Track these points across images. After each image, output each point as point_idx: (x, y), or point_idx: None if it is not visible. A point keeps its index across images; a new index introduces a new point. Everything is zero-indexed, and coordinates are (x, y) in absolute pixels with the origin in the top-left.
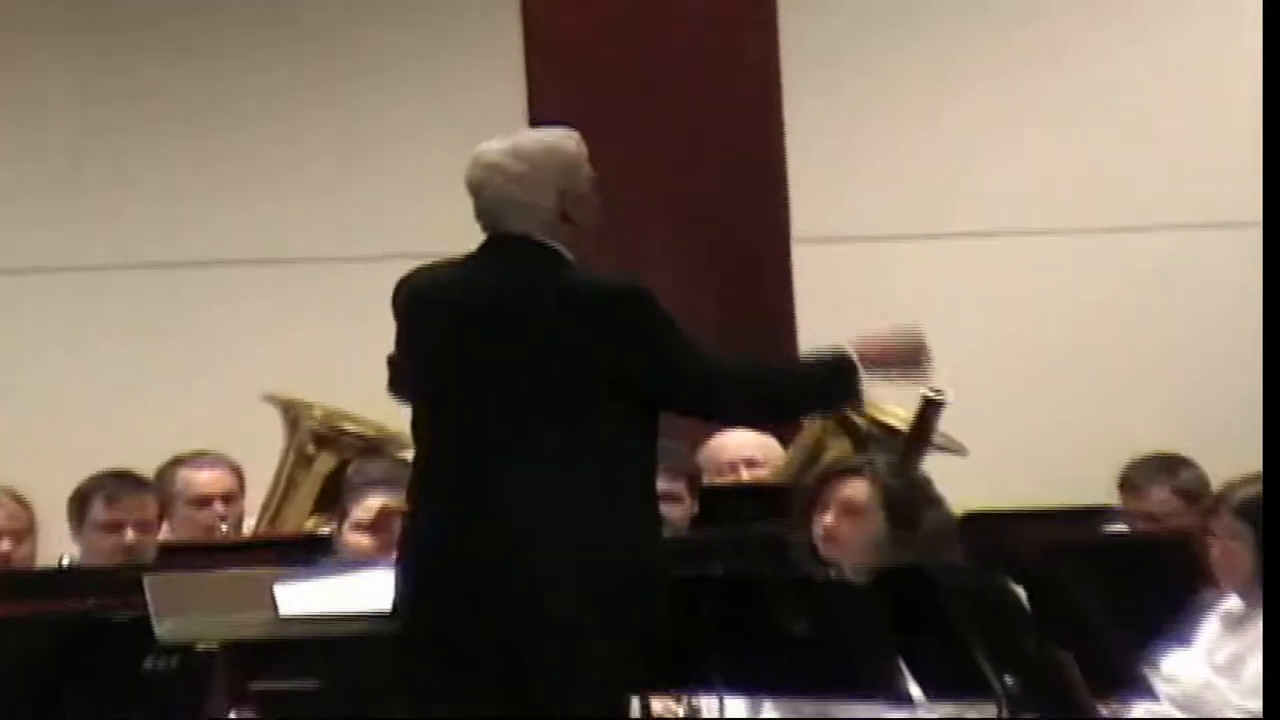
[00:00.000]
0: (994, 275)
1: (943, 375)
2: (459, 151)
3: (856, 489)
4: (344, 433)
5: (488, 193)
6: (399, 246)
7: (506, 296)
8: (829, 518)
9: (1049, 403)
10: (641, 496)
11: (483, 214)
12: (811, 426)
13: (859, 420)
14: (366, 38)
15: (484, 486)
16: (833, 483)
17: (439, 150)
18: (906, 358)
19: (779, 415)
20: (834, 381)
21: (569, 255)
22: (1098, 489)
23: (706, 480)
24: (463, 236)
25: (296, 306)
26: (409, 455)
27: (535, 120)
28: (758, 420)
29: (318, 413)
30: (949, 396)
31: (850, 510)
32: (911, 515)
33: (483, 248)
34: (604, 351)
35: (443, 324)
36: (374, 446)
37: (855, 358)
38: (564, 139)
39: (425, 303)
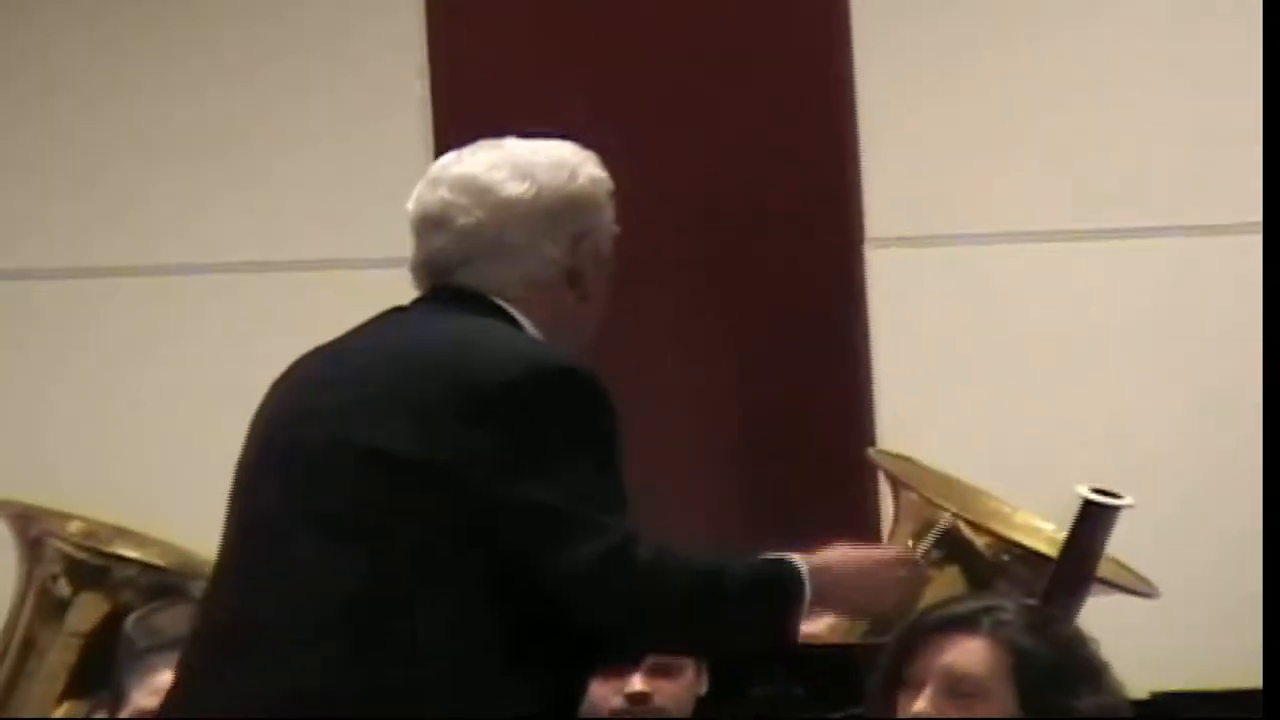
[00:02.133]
0: (1103, 278)
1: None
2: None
3: (969, 655)
4: (119, 561)
5: (458, 226)
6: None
7: (375, 373)
8: (923, 701)
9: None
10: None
11: (432, 260)
12: (899, 544)
13: (976, 539)
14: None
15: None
16: (930, 644)
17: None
18: (876, 599)
19: (678, 644)
20: (767, 610)
21: (536, 334)
22: None
23: None
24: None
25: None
26: None
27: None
28: (637, 644)
29: (74, 527)
30: (1126, 501)
31: (960, 688)
32: (1060, 697)
33: (412, 303)
34: (459, 465)
35: (270, 416)
36: (170, 585)
37: (806, 583)
38: (584, 159)
39: (274, 390)
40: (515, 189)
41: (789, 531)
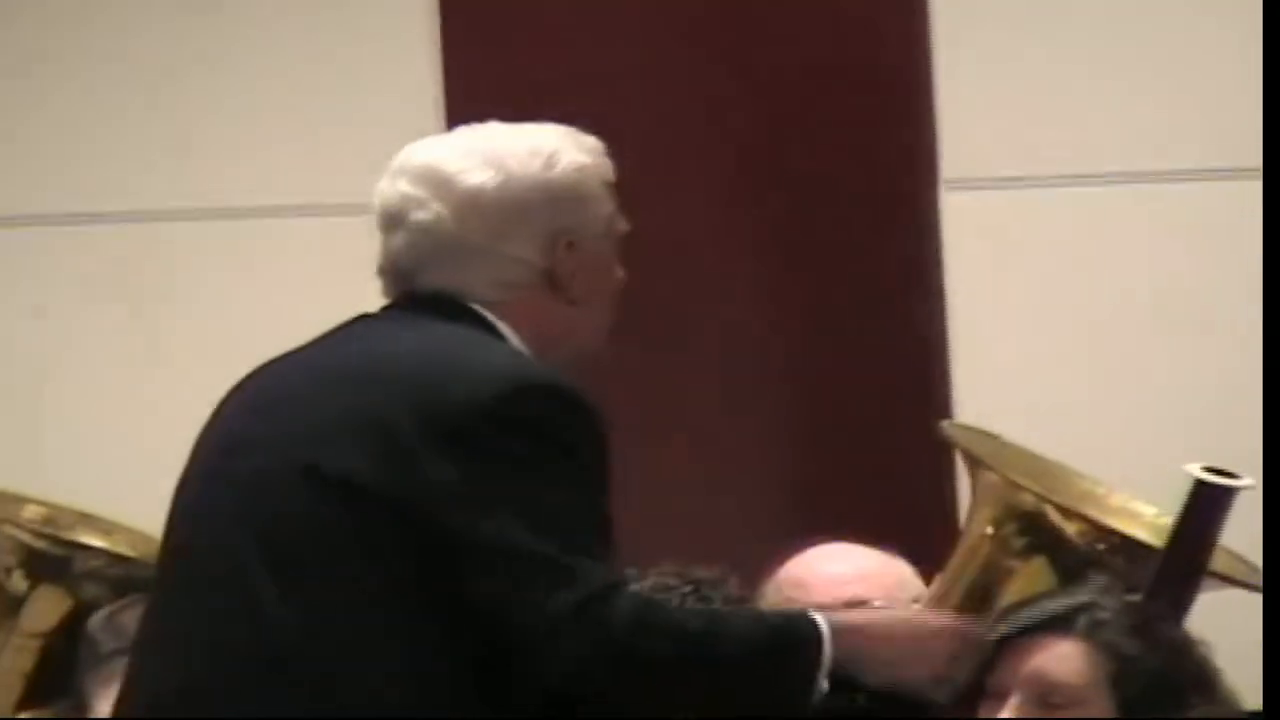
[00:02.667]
0: (1213, 225)
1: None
2: None
3: (1062, 660)
4: (82, 550)
5: (415, 222)
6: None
7: (334, 391)
8: (1008, 711)
9: None
10: None
11: (394, 263)
12: (977, 531)
13: (1066, 526)
14: None
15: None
16: (1017, 647)
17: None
18: (915, 673)
19: (662, 712)
20: (773, 679)
21: (521, 344)
22: None
23: None
24: None
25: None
26: None
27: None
28: (611, 712)
29: (30, 512)
30: (1245, 482)
31: (1051, 697)
32: (1167, 709)
33: (381, 310)
34: (417, 490)
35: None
36: (141, 579)
37: (826, 646)
38: (571, 145)
39: (221, 408)
40: (478, 179)
41: (853, 516)
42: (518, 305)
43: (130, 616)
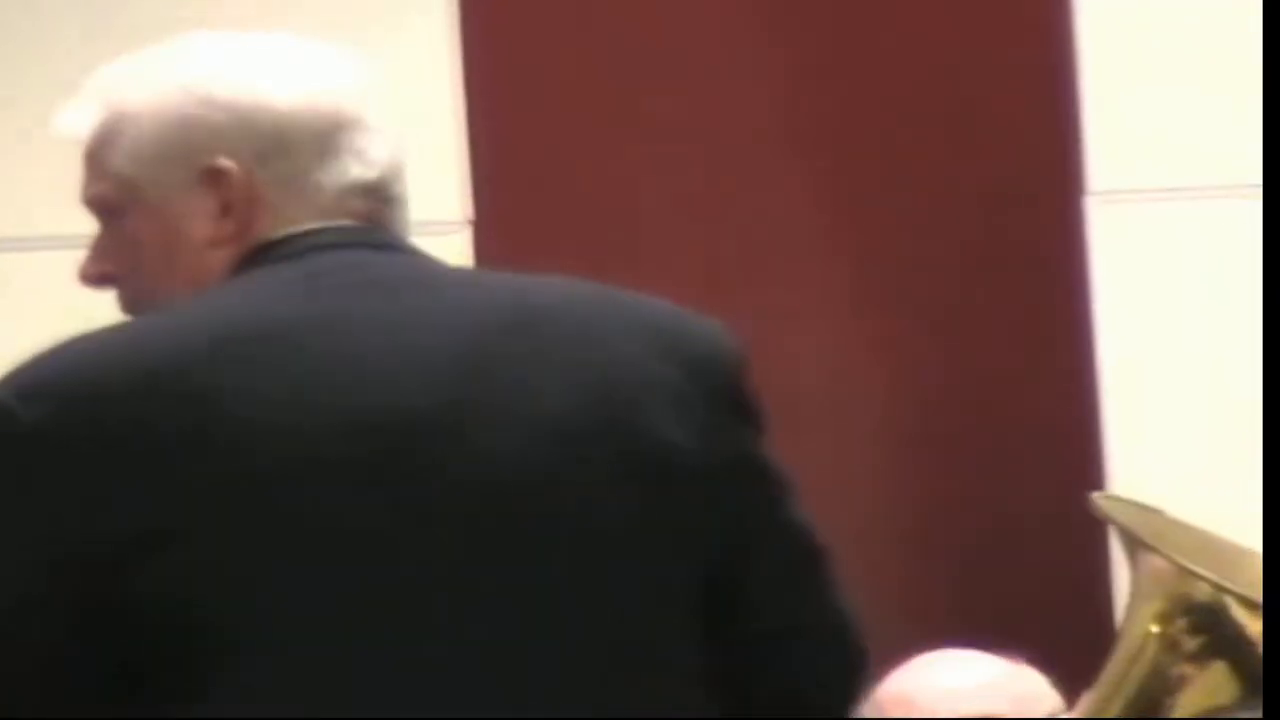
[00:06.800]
0: None
1: None
2: None
3: None
4: None
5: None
6: None
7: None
8: None
9: None
10: None
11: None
12: (1139, 630)
13: (1250, 624)
14: None
15: None
16: None
17: None
18: None
19: None
20: None
21: None
22: None
23: None
24: None
25: None
26: None
27: None
28: None
29: None
30: None
31: None
32: None
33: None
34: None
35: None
36: None
37: None
38: None
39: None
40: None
41: (974, 614)
42: None
43: None
